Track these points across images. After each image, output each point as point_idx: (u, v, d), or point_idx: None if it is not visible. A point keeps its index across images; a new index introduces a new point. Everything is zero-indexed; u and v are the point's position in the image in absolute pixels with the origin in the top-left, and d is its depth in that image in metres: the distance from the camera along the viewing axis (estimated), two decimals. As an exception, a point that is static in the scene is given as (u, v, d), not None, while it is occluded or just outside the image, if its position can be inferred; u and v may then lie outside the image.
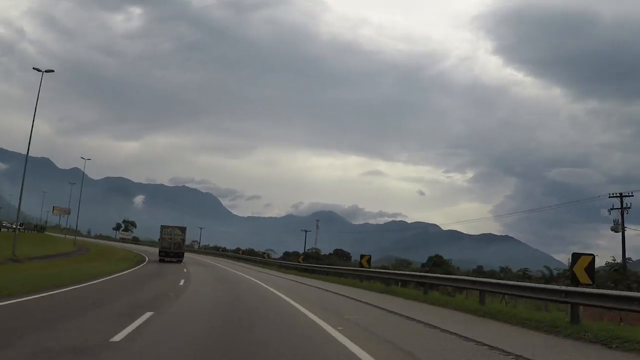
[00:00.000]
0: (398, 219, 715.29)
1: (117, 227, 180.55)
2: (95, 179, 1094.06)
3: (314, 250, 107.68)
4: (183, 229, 60.81)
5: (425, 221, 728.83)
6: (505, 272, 75.27)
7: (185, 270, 40.80)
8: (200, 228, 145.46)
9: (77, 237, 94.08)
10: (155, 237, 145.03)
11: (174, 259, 56.49)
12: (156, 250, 66.40)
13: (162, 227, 60.80)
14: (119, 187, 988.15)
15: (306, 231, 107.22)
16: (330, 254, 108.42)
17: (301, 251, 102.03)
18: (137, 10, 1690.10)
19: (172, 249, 57.74)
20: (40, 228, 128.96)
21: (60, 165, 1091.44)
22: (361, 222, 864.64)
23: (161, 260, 56.06)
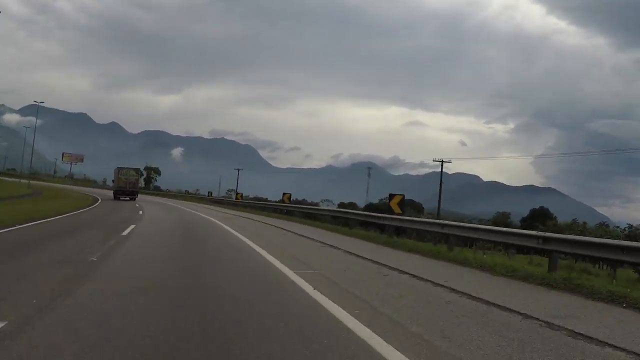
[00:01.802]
0: (439, 169, 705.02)
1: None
2: (134, 133, 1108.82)
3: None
4: (137, 170, 66.35)
5: (467, 172, 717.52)
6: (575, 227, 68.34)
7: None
8: (238, 170, 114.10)
9: (32, 182, 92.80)
10: (192, 187, 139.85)
11: (127, 198, 59.75)
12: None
13: (119, 168, 63.92)
14: (158, 140, 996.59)
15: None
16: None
17: (356, 201, 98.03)
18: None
19: (127, 188, 61.20)
20: None
21: (99, 120, 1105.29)
22: (401, 172, 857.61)
23: (116, 199, 58.72)
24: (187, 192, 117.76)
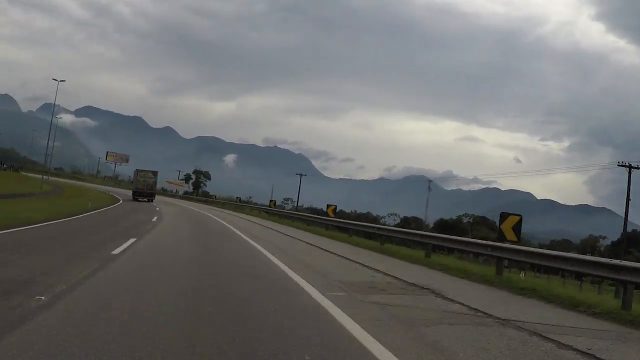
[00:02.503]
0: (492, 186, 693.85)
1: (187, 179, 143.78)
2: (187, 138, 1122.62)
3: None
4: (155, 173, 66.46)
5: (520, 189, 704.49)
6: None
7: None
8: (300, 176, 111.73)
9: (67, 180, 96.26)
10: (244, 194, 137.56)
11: (145, 199, 61.17)
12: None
13: (137, 170, 66.21)
14: (211, 146, 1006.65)
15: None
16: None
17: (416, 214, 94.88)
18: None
19: (145, 190, 62.80)
20: (18, 168, 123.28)
21: (153, 124, 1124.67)
22: (454, 187, 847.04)
23: (134, 199, 60.17)
24: (238, 199, 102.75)
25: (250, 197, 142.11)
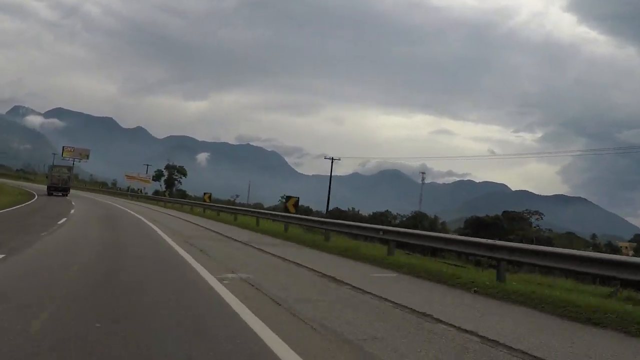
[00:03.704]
0: (466, 178, 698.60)
1: (158, 176, 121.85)
2: (159, 137, 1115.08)
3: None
4: (70, 168, 70.98)
5: (494, 181, 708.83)
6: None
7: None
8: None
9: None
10: (218, 192, 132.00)
11: (59, 193, 62.28)
12: None
13: (52, 166, 70.29)
14: (183, 145, 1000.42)
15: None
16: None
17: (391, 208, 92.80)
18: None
19: (60, 185, 64.17)
20: None
21: (124, 124, 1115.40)
22: (429, 180, 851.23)
23: (49, 194, 60.82)
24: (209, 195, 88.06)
25: (237, 197, 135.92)
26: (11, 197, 42.91)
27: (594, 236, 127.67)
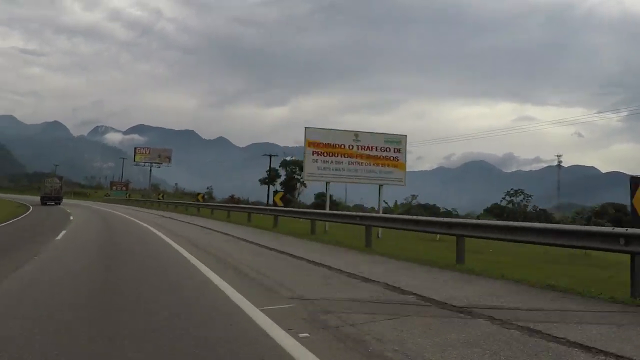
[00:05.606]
0: (554, 163, 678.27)
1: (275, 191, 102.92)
2: (241, 146, 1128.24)
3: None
4: (60, 178, 72.86)
5: (583, 164, 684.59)
6: None
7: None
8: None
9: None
10: (307, 197, 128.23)
11: (52, 202, 64.76)
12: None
13: (44, 178, 71.73)
14: (266, 152, 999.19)
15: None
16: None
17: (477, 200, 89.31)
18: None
19: (52, 195, 66.68)
20: None
21: (205, 136, 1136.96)
22: (514, 169, 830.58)
23: (43, 204, 62.91)
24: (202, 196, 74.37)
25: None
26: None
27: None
